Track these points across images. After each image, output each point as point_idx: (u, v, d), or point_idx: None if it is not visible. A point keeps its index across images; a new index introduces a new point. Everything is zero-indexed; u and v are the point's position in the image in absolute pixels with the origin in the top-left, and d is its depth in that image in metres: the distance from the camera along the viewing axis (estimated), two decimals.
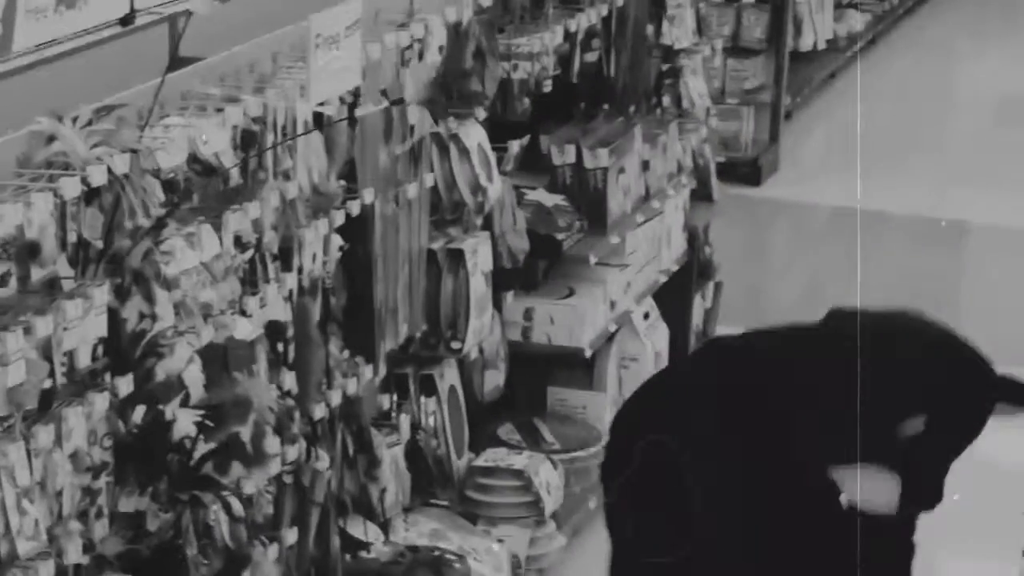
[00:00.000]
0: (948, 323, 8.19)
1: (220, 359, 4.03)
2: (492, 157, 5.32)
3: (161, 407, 3.84)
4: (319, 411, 4.62)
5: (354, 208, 4.68)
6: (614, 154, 6.18)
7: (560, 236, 5.87)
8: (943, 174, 10.06)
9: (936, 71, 12.57)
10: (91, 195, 3.64)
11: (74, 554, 3.69)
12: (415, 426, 5.30)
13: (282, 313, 4.38)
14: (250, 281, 4.24)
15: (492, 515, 5.45)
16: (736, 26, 9.86)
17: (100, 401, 3.71)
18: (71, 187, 3.58)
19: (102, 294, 3.67)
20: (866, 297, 8.27)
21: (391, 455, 5.06)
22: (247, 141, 4.16)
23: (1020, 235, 9.13)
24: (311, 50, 4.23)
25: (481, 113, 5.34)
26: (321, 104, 4.40)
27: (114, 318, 3.73)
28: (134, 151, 3.72)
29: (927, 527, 3.62)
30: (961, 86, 12.37)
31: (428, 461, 5.35)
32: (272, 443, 4.09)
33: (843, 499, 3.61)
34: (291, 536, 4.56)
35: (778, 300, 8.06)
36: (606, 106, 6.48)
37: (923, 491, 3.69)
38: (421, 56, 4.97)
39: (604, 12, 6.09)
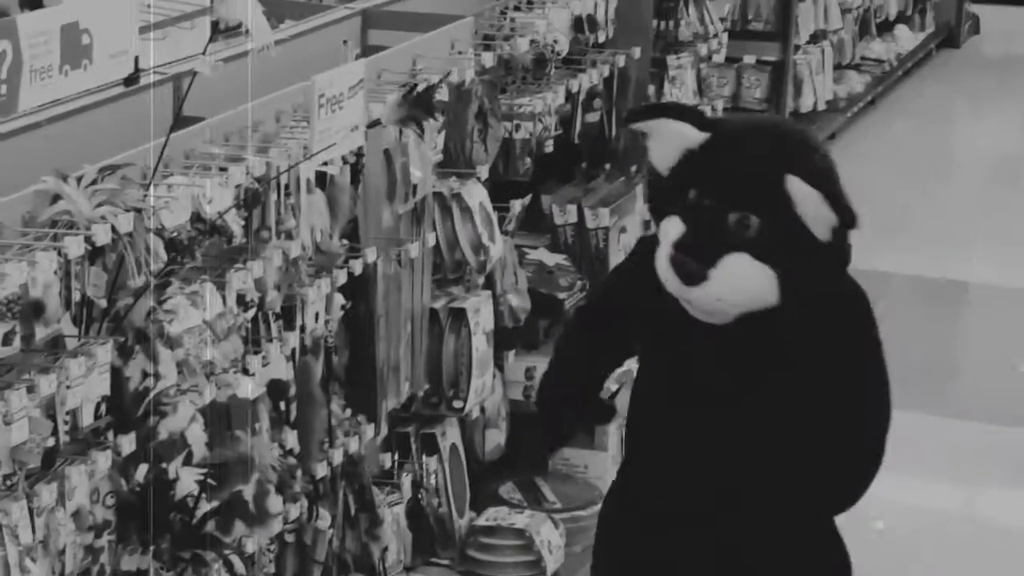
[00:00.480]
0: (948, 385, 8.24)
1: (223, 418, 4.03)
2: (494, 216, 5.32)
3: (164, 465, 3.82)
4: (321, 470, 4.60)
5: (357, 267, 4.68)
6: (616, 214, 6.19)
7: (562, 296, 5.86)
8: (943, 234, 10.07)
9: (934, 133, 12.60)
10: (95, 254, 3.64)
11: None
12: (417, 485, 5.29)
13: (284, 372, 4.37)
14: (253, 340, 4.24)
15: (494, 574, 5.43)
16: (737, 87, 9.90)
17: (103, 459, 3.70)
18: (75, 246, 3.58)
19: (105, 353, 3.66)
20: None
21: (393, 514, 5.05)
22: (251, 200, 4.16)
23: (1019, 295, 9.13)
24: (315, 110, 4.23)
25: (483, 173, 5.34)
26: (325, 164, 4.40)
27: (117, 377, 3.72)
28: (138, 210, 3.71)
29: None
30: (959, 147, 12.41)
31: (430, 520, 5.34)
32: (274, 502, 4.07)
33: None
34: None
35: None
36: (608, 166, 6.49)
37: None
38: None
39: (605, 73, 6.10)
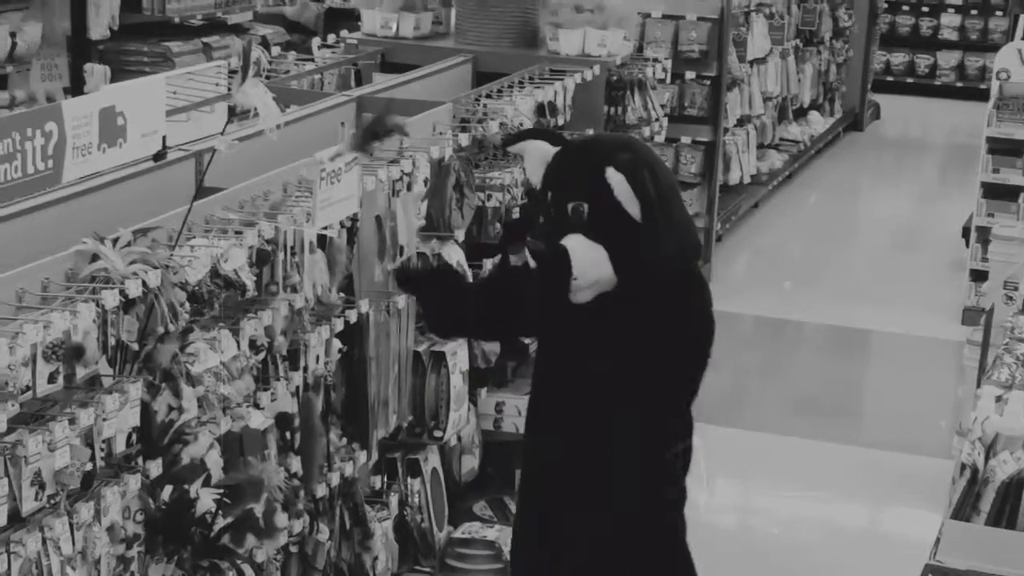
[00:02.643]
0: (855, 418, 8.24)
1: (237, 445, 4.03)
2: (469, 273, 5.32)
3: (186, 487, 3.82)
4: (321, 490, 4.60)
5: (352, 316, 4.68)
6: None
7: (527, 341, 5.86)
8: (849, 289, 10.11)
9: (842, 203, 12.67)
10: (128, 305, 3.63)
11: None
12: (402, 503, 5.28)
13: (290, 406, 4.36)
14: (263, 378, 4.24)
15: None
16: (675, 163, 9.92)
17: (133, 482, 3.69)
18: (111, 298, 3.57)
19: (136, 390, 3.66)
20: (788, 393, 8.32)
21: (382, 528, 5.04)
22: (261, 259, 4.16)
23: (914, 341, 9.16)
24: (316, 182, 4.23)
25: (460, 235, 5.35)
26: (325, 228, 4.40)
27: (146, 410, 3.71)
28: (165, 267, 3.71)
29: None
30: (863, 215, 12.47)
31: (414, 533, 5.32)
32: (281, 518, 4.05)
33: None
34: None
35: (711, 394, 8.06)
36: None
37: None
38: (409, 187, 4.98)
39: None
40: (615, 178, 3.89)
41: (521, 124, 5.77)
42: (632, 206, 3.90)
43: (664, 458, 4.11)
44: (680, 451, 4.15)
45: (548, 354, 4.25)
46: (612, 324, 3.95)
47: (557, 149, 4.14)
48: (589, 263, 3.91)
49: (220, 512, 3.88)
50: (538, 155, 4.17)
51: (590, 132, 6.33)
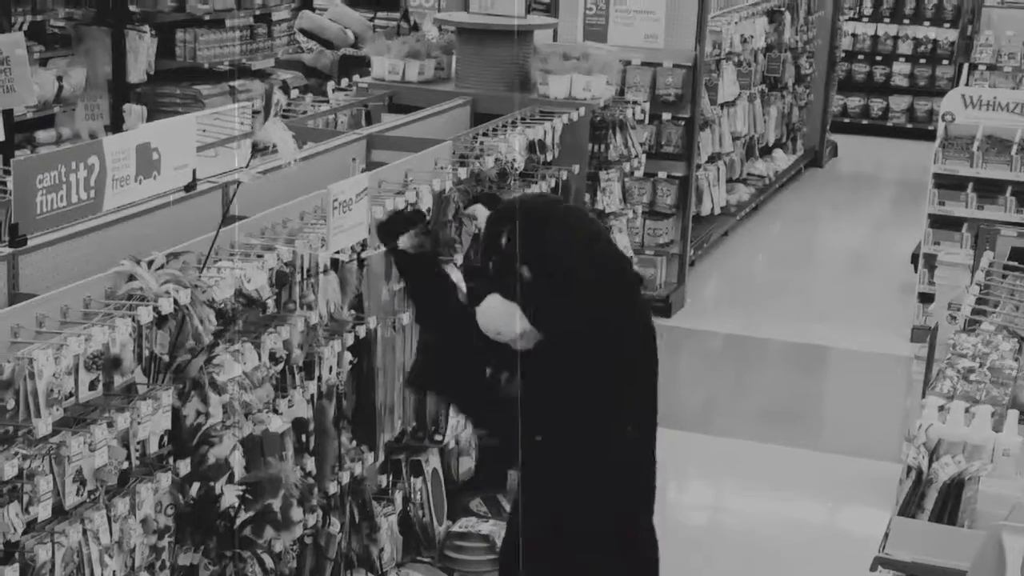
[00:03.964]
0: (814, 426, 8.24)
1: (257, 447, 4.03)
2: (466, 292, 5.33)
3: (212, 484, 3.82)
4: (333, 488, 4.60)
5: (361, 331, 4.68)
6: None
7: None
8: (808, 310, 10.12)
9: (803, 232, 12.68)
10: (161, 320, 3.64)
11: None
12: (406, 500, 5.27)
13: (305, 412, 4.37)
14: (281, 387, 4.24)
15: (465, 570, 5.41)
16: (653, 196, 9.94)
17: (165, 479, 3.69)
18: (145, 314, 3.58)
19: (168, 397, 3.66)
20: (754, 403, 8.32)
21: (387, 522, 5.03)
22: (280, 280, 4.17)
23: (867, 356, 9.18)
24: (330, 211, 4.25)
25: (458, 259, 5.35)
26: (337, 252, 4.41)
27: (176, 415, 3.72)
28: (194, 287, 3.72)
29: None
30: (822, 244, 12.48)
31: (416, 527, 5.32)
32: (297, 512, 4.06)
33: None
34: None
35: (684, 403, 8.07)
36: None
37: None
38: None
39: (553, 183, 6.13)
40: (503, 242, 3.81)
41: (514, 159, 5.78)
42: (523, 268, 3.77)
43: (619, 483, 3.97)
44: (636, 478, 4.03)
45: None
46: (547, 365, 3.83)
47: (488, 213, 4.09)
48: (504, 320, 3.80)
49: (242, 507, 3.89)
50: (481, 217, 4.14)
51: (576, 176, 6.33)
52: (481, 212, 4.15)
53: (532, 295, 3.78)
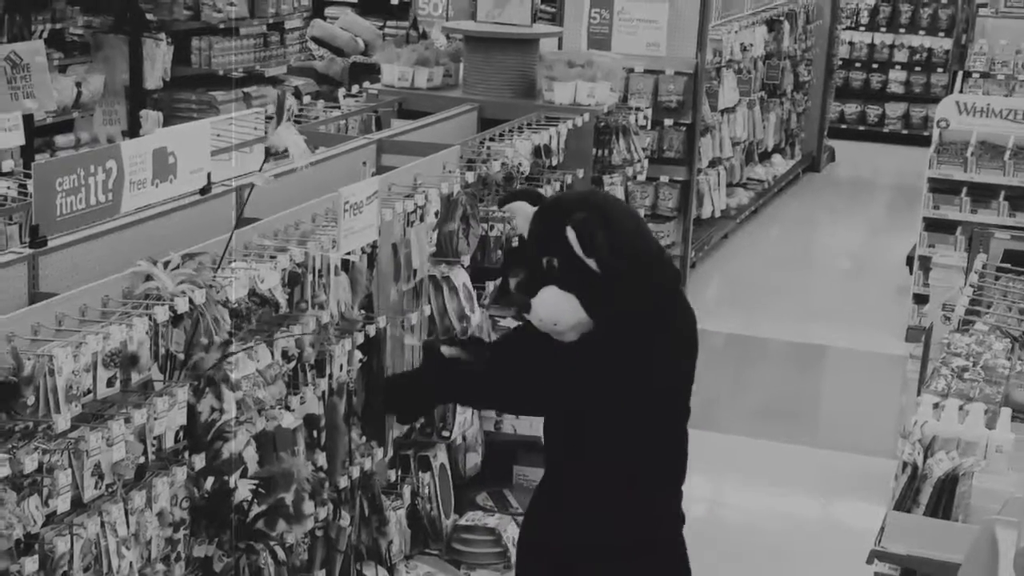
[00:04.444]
0: (812, 423, 8.24)
1: (270, 442, 4.02)
2: (474, 293, 5.33)
3: (226, 478, 3.82)
4: (343, 482, 4.59)
5: (371, 330, 4.68)
6: None
7: None
8: (806, 311, 10.12)
9: (801, 235, 12.68)
10: (177, 319, 3.64)
11: None
12: (414, 494, 5.27)
13: (317, 408, 4.36)
14: (293, 384, 4.23)
15: (471, 562, 5.40)
16: (655, 199, 9.94)
17: (180, 473, 3.69)
18: (162, 313, 3.59)
19: (183, 393, 3.67)
20: (754, 401, 8.31)
21: (396, 516, 5.03)
22: (293, 280, 4.17)
23: (864, 356, 9.17)
24: (341, 213, 4.25)
25: (466, 261, 5.36)
26: (348, 253, 4.42)
27: (192, 411, 3.72)
28: (209, 287, 3.72)
29: None
30: (819, 246, 12.48)
31: (424, 521, 5.31)
32: (308, 506, 4.06)
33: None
34: None
35: None
36: None
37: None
38: (422, 218, 4.99)
39: (558, 187, 6.14)
40: (571, 236, 3.86)
41: (520, 163, 5.78)
42: (589, 260, 3.86)
43: (658, 487, 4.05)
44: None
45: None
46: (594, 358, 3.91)
47: (535, 208, 4.15)
48: (563, 311, 3.88)
49: (255, 500, 3.89)
50: (523, 214, 4.18)
51: (580, 180, 6.35)
52: (524, 208, 4.17)
53: (596, 284, 3.84)
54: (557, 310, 3.89)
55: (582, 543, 4.00)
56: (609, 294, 3.86)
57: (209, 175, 4.33)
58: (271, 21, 10.19)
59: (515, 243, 5.72)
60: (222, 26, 9.67)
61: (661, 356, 3.96)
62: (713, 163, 11.20)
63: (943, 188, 9.26)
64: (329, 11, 13.08)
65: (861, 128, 16.57)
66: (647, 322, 3.90)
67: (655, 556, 4.03)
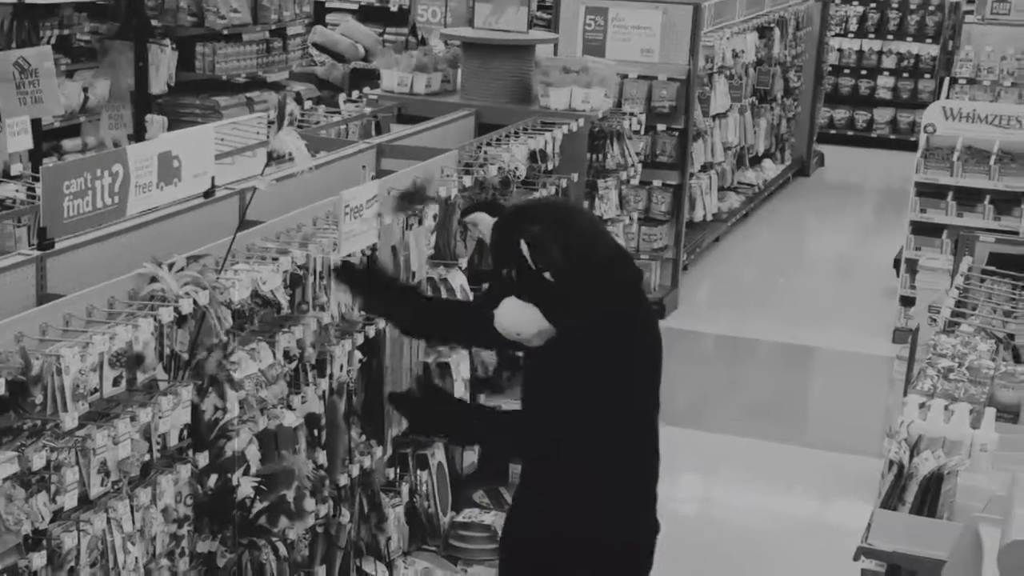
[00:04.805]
0: (800, 422, 8.23)
1: (272, 441, 4.03)
2: (470, 294, 5.34)
3: (229, 476, 3.83)
4: (343, 479, 4.60)
5: (371, 331, 4.69)
6: None
7: (519, 353, 5.86)
8: (795, 312, 10.12)
9: (791, 238, 12.69)
10: (181, 320, 3.65)
11: None
12: (412, 492, 5.27)
13: (318, 408, 4.37)
14: (294, 384, 4.25)
15: (468, 558, 5.40)
16: (648, 203, 9.94)
17: (184, 471, 3.71)
18: (167, 314, 3.60)
19: (187, 392, 3.67)
20: (743, 401, 8.32)
21: (395, 513, 5.03)
22: (294, 282, 4.18)
23: (851, 356, 9.18)
24: (341, 217, 4.26)
25: (463, 263, 5.37)
26: (348, 255, 4.42)
27: (196, 410, 3.73)
28: (213, 288, 3.73)
29: None
30: (808, 249, 12.49)
31: (422, 518, 5.31)
32: (309, 503, 4.07)
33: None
34: (321, 572, 4.53)
35: (677, 400, 8.08)
36: None
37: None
38: (421, 222, 5.00)
39: (553, 191, 6.14)
40: (524, 249, 3.82)
41: (517, 168, 5.79)
42: (545, 271, 3.82)
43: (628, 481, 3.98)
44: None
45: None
46: (558, 362, 3.86)
47: (494, 220, 4.11)
48: (524, 321, 3.86)
49: (257, 497, 3.89)
50: (484, 224, 4.14)
51: (575, 184, 6.34)
52: (484, 219, 4.15)
53: (552, 294, 3.82)
54: (519, 320, 3.87)
55: (555, 539, 3.98)
56: (565, 302, 3.83)
57: (213, 179, 4.33)
58: (273, 27, 10.19)
59: None
60: (225, 32, 9.67)
61: (623, 354, 3.90)
62: (705, 167, 11.20)
63: (930, 192, 9.27)
64: (330, 18, 13.09)
65: (850, 133, 16.58)
66: (608, 323, 3.85)
67: (628, 558, 4.01)
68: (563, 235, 3.87)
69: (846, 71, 16.68)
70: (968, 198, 9.16)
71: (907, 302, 9.09)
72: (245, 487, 3.85)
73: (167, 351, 3.63)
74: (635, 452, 3.97)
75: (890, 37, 16.57)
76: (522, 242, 3.82)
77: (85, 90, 8.45)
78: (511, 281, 3.87)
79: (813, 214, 13.54)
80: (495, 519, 5.50)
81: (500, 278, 3.93)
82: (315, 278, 4.25)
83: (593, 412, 3.84)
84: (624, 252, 4.08)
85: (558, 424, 3.86)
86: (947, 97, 10.63)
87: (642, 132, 7.88)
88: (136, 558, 3.51)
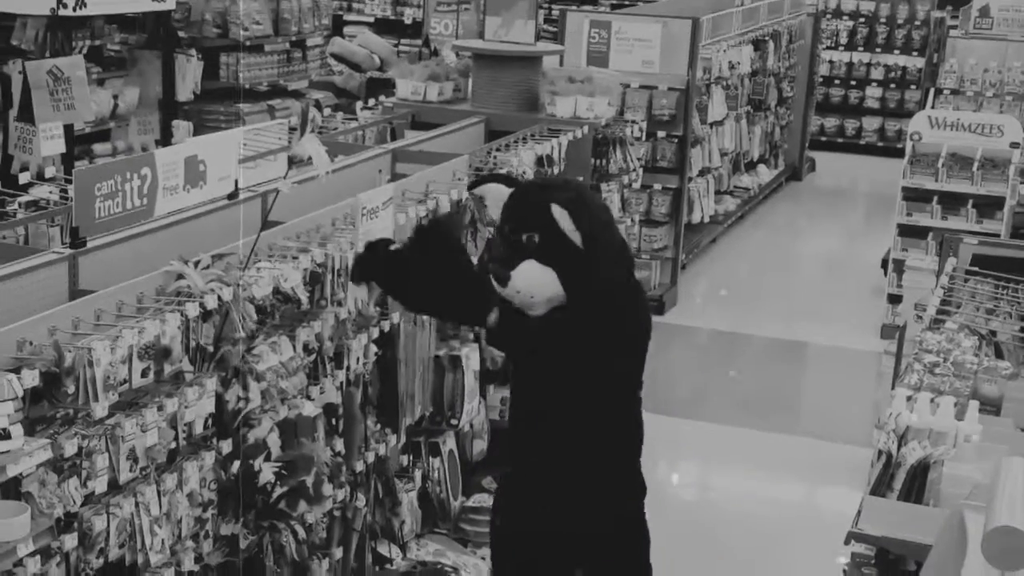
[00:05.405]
0: (793, 414, 8.21)
1: (292, 429, 4.03)
2: None
3: (251, 462, 3.83)
4: (359, 466, 4.60)
5: (386, 326, 4.69)
6: None
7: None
8: (788, 309, 10.11)
9: (784, 239, 12.66)
10: (206, 315, 3.65)
11: (188, 564, 3.68)
12: (425, 477, 5.27)
13: (335, 398, 4.37)
14: (313, 375, 4.24)
15: (477, 540, 5.40)
16: (649, 205, 9.93)
17: (209, 457, 3.71)
18: (192, 309, 3.59)
19: (212, 383, 3.67)
20: (739, 393, 8.29)
21: (408, 498, 5.04)
22: (314, 279, 4.18)
23: (842, 352, 9.16)
24: (359, 217, 4.25)
25: (473, 261, 5.34)
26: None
27: (220, 400, 3.73)
28: (236, 285, 3.73)
29: None
30: (801, 250, 12.46)
31: (434, 502, 5.31)
32: (327, 488, 4.07)
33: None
34: (338, 553, 4.54)
35: (675, 392, 8.07)
36: None
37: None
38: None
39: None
40: (559, 212, 3.78)
41: (524, 172, 5.78)
42: (575, 236, 3.79)
43: (616, 454, 3.97)
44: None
45: (516, 364, 4.18)
46: (564, 331, 3.83)
47: (511, 190, 4.06)
48: (541, 284, 3.79)
49: (278, 483, 3.90)
50: (496, 196, 4.10)
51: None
52: (497, 189, 4.11)
53: (579, 260, 3.79)
54: (536, 282, 3.80)
55: (537, 532, 3.94)
56: (587, 270, 3.81)
57: (236, 181, 4.33)
58: (294, 39, 10.19)
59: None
60: (248, 43, 9.67)
61: (627, 333, 3.91)
62: (703, 172, 11.19)
63: (916, 196, 9.25)
64: (348, 30, 13.09)
65: (840, 140, 16.55)
66: (617, 300, 3.86)
67: (618, 530, 4.00)
68: (592, 208, 3.89)
69: (836, 82, 16.65)
70: (952, 202, 9.15)
71: (894, 300, 9.07)
72: (266, 473, 3.85)
73: (193, 344, 3.63)
74: (618, 426, 3.97)
75: (878, 50, 16.54)
76: (554, 206, 3.78)
77: (115, 97, 8.45)
78: (530, 246, 3.80)
79: (805, 217, 13.51)
80: None
81: (515, 244, 3.83)
82: (333, 275, 4.25)
83: (598, 379, 3.83)
84: (627, 245, 4.14)
85: (557, 394, 3.85)
86: (932, 107, 10.62)
87: (643, 138, 7.86)
88: (162, 540, 3.51)
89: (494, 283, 3.86)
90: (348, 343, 4.41)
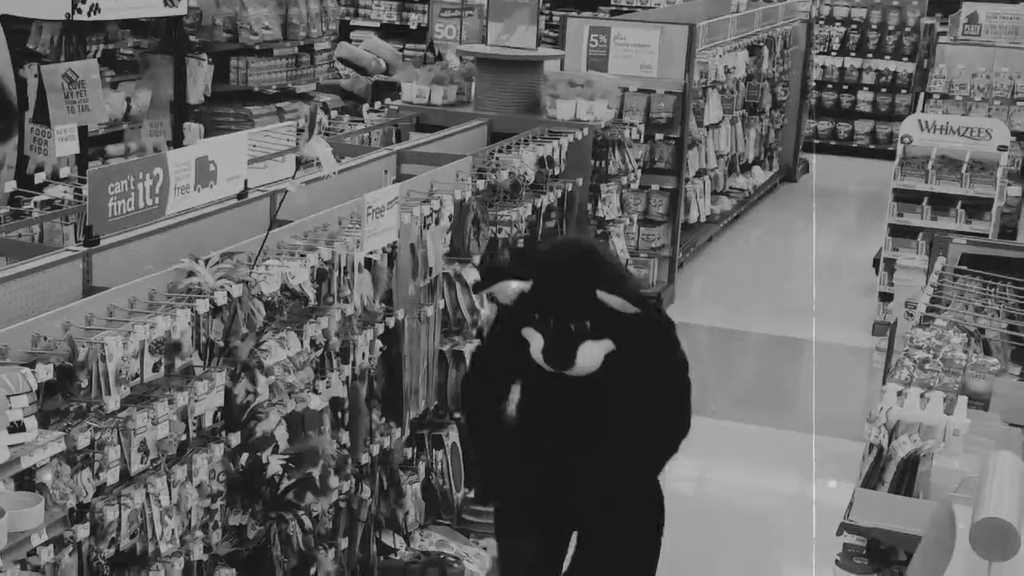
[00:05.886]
0: (789, 408, 8.20)
1: (299, 422, 4.02)
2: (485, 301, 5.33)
3: (259, 454, 3.82)
4: (365, 458, 4.60)
5: (391, 322, 4.69)
6: None
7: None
8: (782, 307, 10.10)
9: (779, 238, 12.65)
10: (216, 311, 3.65)
11: (197, 554, 3.68)
12: (428, 470, 5.27)
13: (341, 392, 4.37)
14: (320, 370, 4.25)
15: (479, 531, 5.40)
16: (646, 205, 9.92)
17: (218, 450, 3.70)
18: (203, 306, 3.59)
19: (221, 377, 3.67)
20: (735, 388, 8.27)
21: (412, 489, 5.03)
22: (320, 276, 4.17)
23: (834, 348, 9.15)
24: (364, 217, 4.25)
25: (476, 260, 5.35)
26: (370, 252, 4.41)
27: (229, 394, 3.72)
28: (246, 282, 3.72)
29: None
30: (795, 249, 12.45)
31: (437, 494, 5.31)
32: (333, 480, 4.06)
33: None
34: (343, 544, 4.53)
35: None
36: None
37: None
38: (437, 221, 4.99)
39: (559, 194, 6.14)
40: (607, 298, 3.99)
41: (526, 172, 5.78)
42: (623, 306, 4.02)
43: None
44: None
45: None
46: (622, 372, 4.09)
47: (530, 282, 4.13)
48: (601, 355, 4.05)
49: (285, 474, 3.89)
50: (509, 292, 4.17)
51: (579, 188, 6.33)
52: (508, 286, 4.17)
53: (624, 323, 4.02)
54: (598, 356, 4.05)
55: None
56: (638, 320, 4.05)
57: (246, 182, 4.33)
58: (302, 43, 10.18)
59: (520, 244, 5.73)
60: (258, 48, 9.66)
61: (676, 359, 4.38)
62: (699, 173, 11.18)
63: (906, 197, 9.25)
64: (354, 35, 13.09)
65: (833, 143, 16.53)
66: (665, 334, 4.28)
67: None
68: (611, 264, 4.14)
69: (829, 86, 16.63)
70: (942, 203, 9.14)
71: (885, 298, 9.06)
72: (274, 465, 3.84)
73: (203, 339, 3.62)
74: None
75: (870, 55, 16.52)
76: (599, 292, 3.98)
77: (128, 100, 8.45)
78: (584, 330, 4.01)
79: (799, 217, 13.49)
80: None
81: (562, 333, 4.02)
82: (340, 273, 4.25)
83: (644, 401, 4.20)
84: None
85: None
86: (922, 111, 10.60)
87: (641, 141, 7.86)
88: (172, 530, 3.50)
89: (551, 367, 4.07)
90: (354, 339, 4.40)
